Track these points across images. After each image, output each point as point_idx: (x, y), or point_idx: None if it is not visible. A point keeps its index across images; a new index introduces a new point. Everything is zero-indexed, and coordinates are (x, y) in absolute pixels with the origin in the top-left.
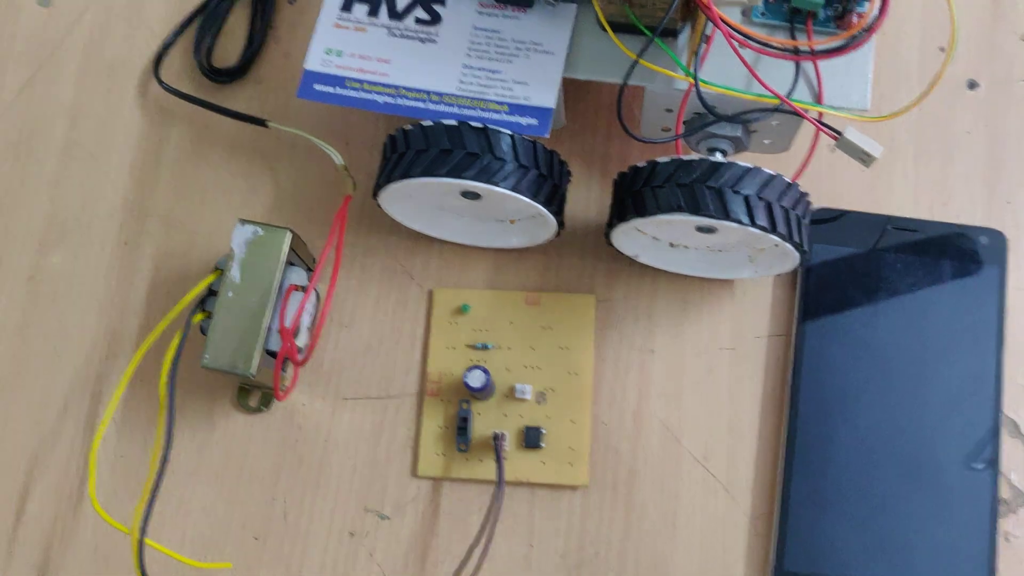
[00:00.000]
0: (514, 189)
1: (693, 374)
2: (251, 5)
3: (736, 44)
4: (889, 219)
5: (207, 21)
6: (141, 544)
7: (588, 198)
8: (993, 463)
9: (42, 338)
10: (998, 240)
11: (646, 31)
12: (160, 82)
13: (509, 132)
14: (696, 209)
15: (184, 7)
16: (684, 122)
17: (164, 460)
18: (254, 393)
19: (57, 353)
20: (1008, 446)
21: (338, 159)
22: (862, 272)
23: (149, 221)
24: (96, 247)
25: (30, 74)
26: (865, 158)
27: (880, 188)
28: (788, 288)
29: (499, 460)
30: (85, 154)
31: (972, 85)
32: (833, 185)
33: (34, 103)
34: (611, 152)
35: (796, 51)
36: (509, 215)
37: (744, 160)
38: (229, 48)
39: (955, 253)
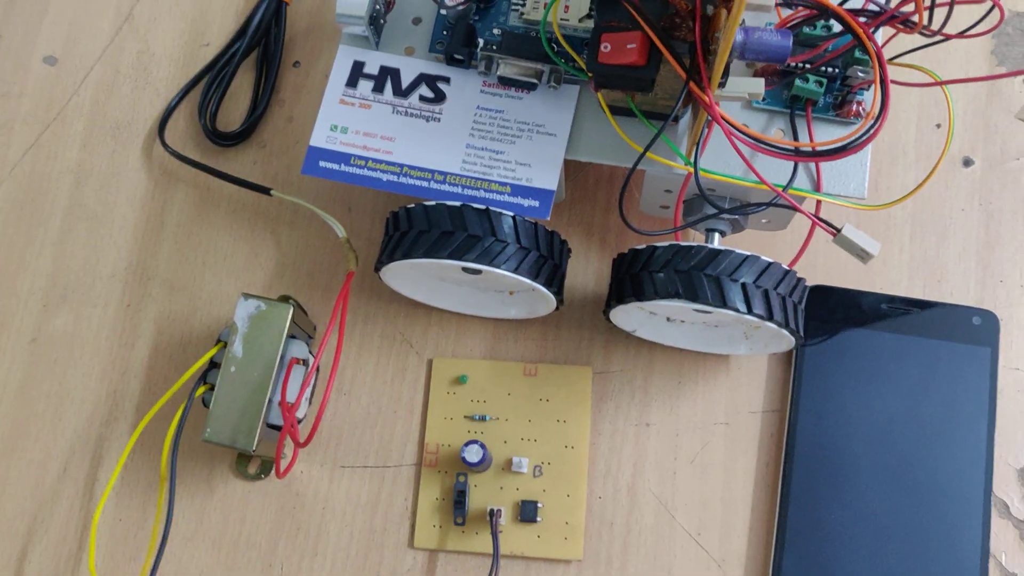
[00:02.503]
0: (516, 271)
1: (688, 448)
2: (255, 68)
3: (736, 141)
4: (884, 297)
5: (212, 84)
6: None
7: (587, 269)
8: (983, 543)
9: (44, 400)
10: (990, 321)
11: (649, 124)
12: (165, 145)
13: (511, 214)
14: (694, 297)
15: (189, 69)
16: (684, 202)
17: (165, 535)
18: (253, 461)
19: (58, 415)
20: (998, 527)
21: (341, 232)
22: (856, 349)
23: (151, 284)
24: (99, 309)
25: (37, 133)
26: (863, 255)
27: (875, 265)
28: (783, 364)
29: (495, 536)
30: (89, 215)
31: (967, 163)
32: (829, 261)
33: (40, 163)
34: (610, 224)
35: (797, 152)
36: (509, 287)
37: (741, 237)
38: (233, 110)
39: (948, 333)
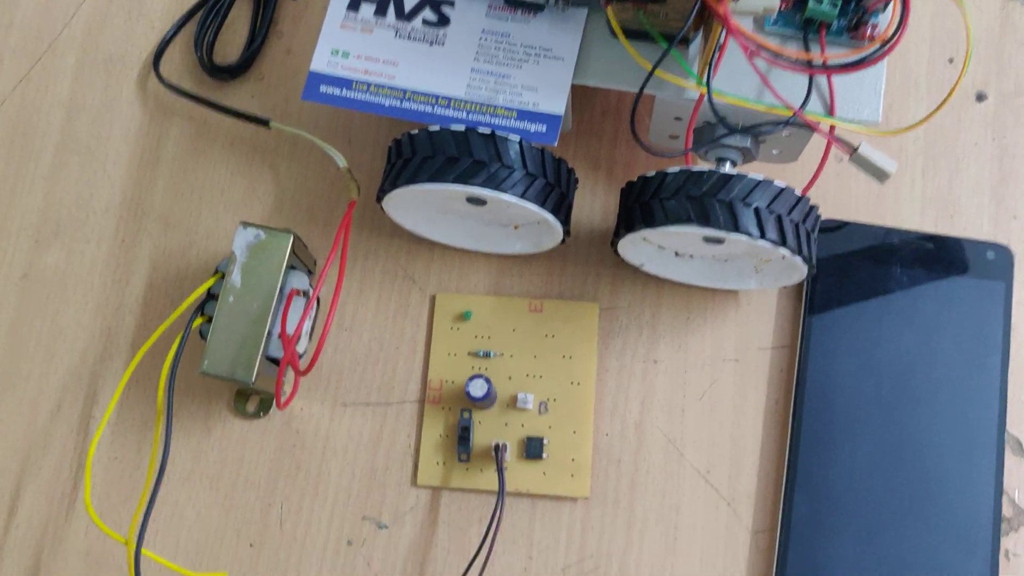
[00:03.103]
0: (522, 197)
1: (696, 385)
2: (253, 0)
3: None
4: (896, 232)
5: (208, 15)
6: (138, 556)
7: (593, 204)
8: (996, 481)
9: (35, 337)
10: (1004, 255)
11: (661, 40)
12: (160, 78)
13: (517, 139)
14: (706, 222)
15: (185, 1)
16: (694, 130)
17: (161, 470)
18: (252, 398)
19: (50, 353)
20: (1011, 464)
21: (342, 162)
22: (868, 285)
23: (147, 219)
24: (92, 244)
25: (28, 66)
26: (879, 175)
27: (887, 200)
28: (793, 299)
29: (500, 472)
30: (82, 149)
31: (980, 97)
32: (840, 196)
33: (30, 97)
34: (617, 157)
35: (810, 64)
36: (513, 220)
37: (751, 170)
38: (230, 44)
39: (961, 268)
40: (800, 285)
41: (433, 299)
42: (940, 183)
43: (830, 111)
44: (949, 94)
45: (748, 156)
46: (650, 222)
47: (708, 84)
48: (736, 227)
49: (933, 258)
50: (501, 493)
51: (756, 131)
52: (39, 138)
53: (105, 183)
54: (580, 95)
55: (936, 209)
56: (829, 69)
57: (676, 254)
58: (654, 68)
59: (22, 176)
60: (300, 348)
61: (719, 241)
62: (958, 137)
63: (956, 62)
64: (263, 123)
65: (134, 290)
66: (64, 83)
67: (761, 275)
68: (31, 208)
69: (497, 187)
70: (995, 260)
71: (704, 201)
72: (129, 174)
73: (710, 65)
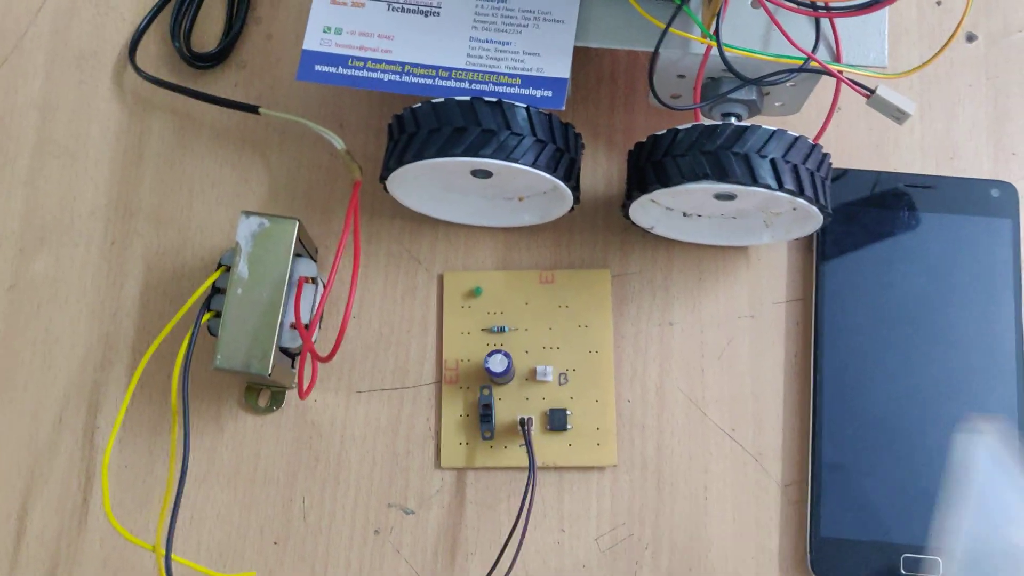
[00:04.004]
0: (533, 165)
1: (714, 345)
2: None
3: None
4: (899, 176)
5: (183, 3)
6: (168, 560)
7: (595, 171)
8: (1020, 413)
9: (30, 348)
10: (1009, 192)
11: None
12: (138, 70)
13: (524, 106)
14: (723, 176)
15: None
16: (695, 89)
17: (184, 470)
18: (263, 392)
19: (47, 363)
20: None
21: (339, 144)
22: (876, 231)
23: (136, 219)
24: (81, 249)
25: None
26: (899, 115)
27: (887, 146)
28: (804, 252)
29: (529, 445)
30: (60, 151)
31: (970, 38)
32: (839, 145)
33: (0, 98)
34: (616, 123)
35: (828, 8)
36: (518, 192)
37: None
38: (206, 33)
39: (967, 207)
40: (809, 238)
41: (441, 278)
42: (938, 127)
43: (836, 58)
44: (953, 34)
45: (754, 109)
46: (664, 181)
47: (718, 37)
48: (753, 180)
49: (938, 200)
50: (532, 467)
51: (770, 81)
52: (13, 142)
53: (88, 184)
54: (574, 63)
55: (936, 152)
56: (846, 11)
57: (684, 215)
58: (669, 23)
59: None
60: (313, 336)
61: (731, 197)
62: (951, 80)
63: (945, 4)
64: (252, 110)
65: (130, 293)
66: (35, 83)
67: (772, 228)
68: (11, 215)
69: (508, 156)
70: (1000, 198)
71: (719, 155)
72: (113, 173)
73: (717, 17)
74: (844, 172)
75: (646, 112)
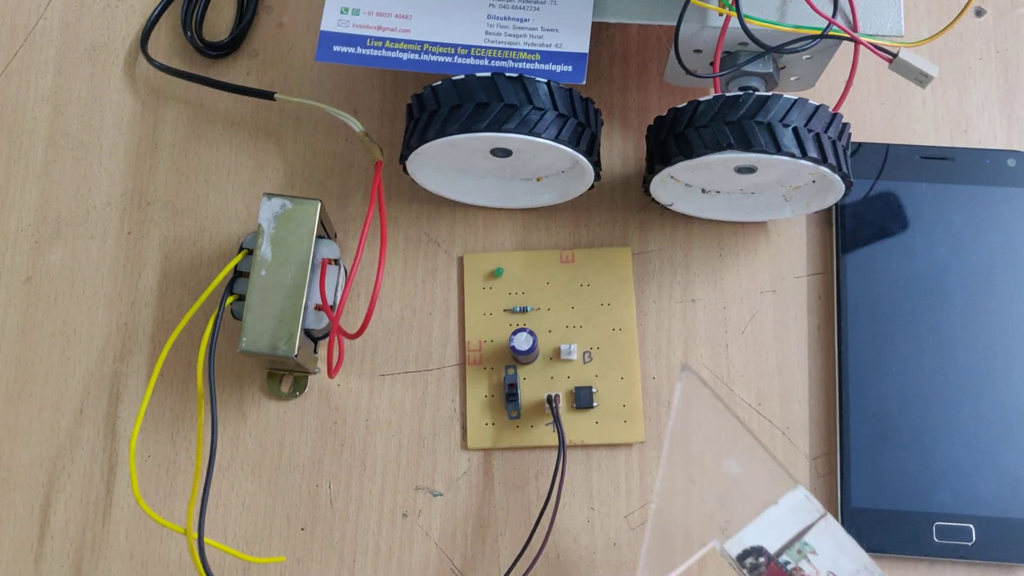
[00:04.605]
0: (556, 139)
1: (737, 320)
2: None
3: None
4: (915, 148)
5: None
6: (201, 543)
7: (612, 150)
8: None
9: (48, 340)
10: None
11: None
12: (150, 60)
13: (545, 80)
14: (747, 145)
15: None
16: (714, 62)
17: (212, 453)
18: (286, 378)
19: (66, 355)
20: None
21: (357, 126)
22: (896, 203)
23: (152, 208)
24: (97, 240)
25: (4, 62)
26: (922, 78)
27: (899, 120)
28: (823, 225)
29: (557, 422)
30: (74, 143)
31: (979, 13)
32: (852, 119)
33: (12, 94)
34: (629, 102)
35: None
36: (536, 172)
37: None
38: (217, 23)
39: (985, 178)
40: (828, 212)
41: (461, 260)
42: (950, 100)
43: (854, 27)
44: (966, 6)
45: (771, 83)
46: (688, 152)
47: (738, 7)
48: (777, 148)
49: (956, 171)
50: (562, 445)
51: (791, 49)
52: (27, 136)
53: (103, 176)
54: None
55: (949, 126)
56: None
57: (703, 191)
58: None
59: (13, 176)
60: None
61: (751, 170)
62: (962, 53)
63: None
64: (268, 96)
65: (147, 282)
66: (46, 76)
67: (792, 202)
68: (27, 208)
69: (531, 131)
70: (1016, 167)
71: (743, 124)
72: (127, 164)
73: None
74: (859, 146)
75: (660, 90)
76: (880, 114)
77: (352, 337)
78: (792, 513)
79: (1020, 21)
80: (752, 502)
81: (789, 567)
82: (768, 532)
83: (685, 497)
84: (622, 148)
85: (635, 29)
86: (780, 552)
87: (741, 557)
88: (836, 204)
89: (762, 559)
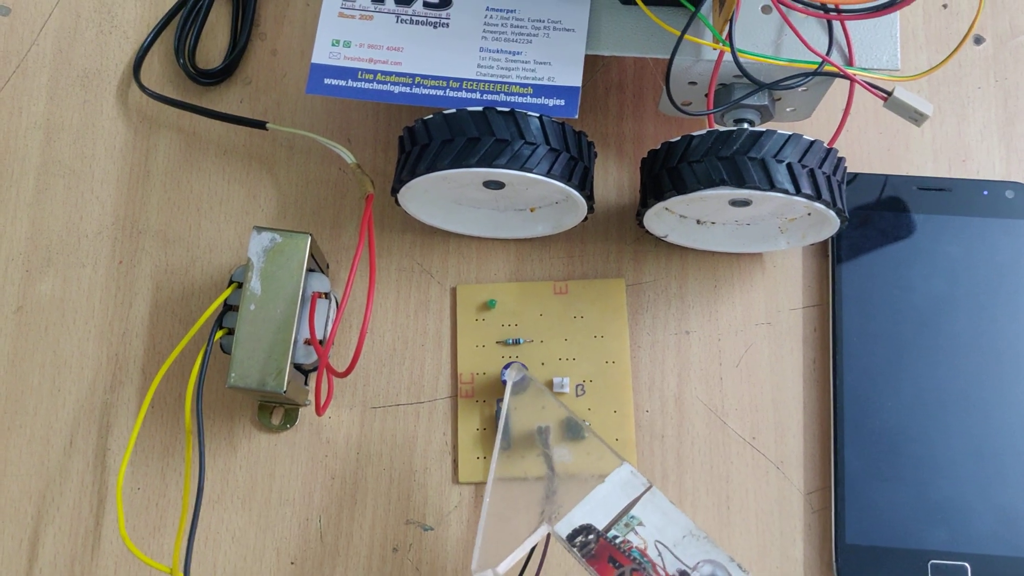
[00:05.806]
0: (548, 175)
1: (731, 352)
2: (232, 1)
3: (773, 9)
4: (912, 179)
5: (187, 20)
6: None
7: (606, 181)
8: None
9: (38, 371)
10: (1023, 193)
11: (687, 2)
12: (143, 88)
13: (537, 115)
14: (740, 181)
15: (157, 8)
16: (708, 96)
17: (200, 489)
18: (276, 411)
19: (56, 386)
20: None
21: (350, 158)
22: (892, 234)
23: (143, 237)
24: (88, 269)
25: None
26: (917, 116)
27: (897, 149)
28: (819, 257)
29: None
30: (65, 171)
31: (978, 40)
32: (850, 149)
33: (3, 120)
34: (625, 132)
35: (839, 11)
36: (530, 203)
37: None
38: (211, 50)
39: (982, 209)
40: (824, 243)
41: (454, 291)
42: (948, 129)
43: (849, 62)
44: (965, 36)
45: (766, 115)
46: (681, 187)
47: (731, 42)
48: (771, 185)
49: (953, 202)
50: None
51: (786, 85)
52: (18, 163)
53: (94, 204)
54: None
55: (948, 156)
56: (865, 12)
57: (698, 222)
58: (685, 29)
59: (4, 204)
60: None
61: (746, 203)
62: (960, 82)
63: (950, 7)
64: (260, 126)
65: (138, 313)
66: (39, 103)
67: (788, 234)
68: (17, 237)
69: (522, 166)
70: (1015, 199)
71: (736, 160)
72: (119, 192)
73: (730, 22)
74: (855, 176)
75: (655, 120)
76: (878, 144)
77: (341, 376)
78: (619, 489)
79: (1019, 49)
80: (581, 484)
81: (617, 541)
82: (596, 510)
83: (518, 487)
84: (617, 178)
85: (631, 59)
86: (608, 527)
87: (571, 536)
88: (832, 236)
89: (591, 536)
